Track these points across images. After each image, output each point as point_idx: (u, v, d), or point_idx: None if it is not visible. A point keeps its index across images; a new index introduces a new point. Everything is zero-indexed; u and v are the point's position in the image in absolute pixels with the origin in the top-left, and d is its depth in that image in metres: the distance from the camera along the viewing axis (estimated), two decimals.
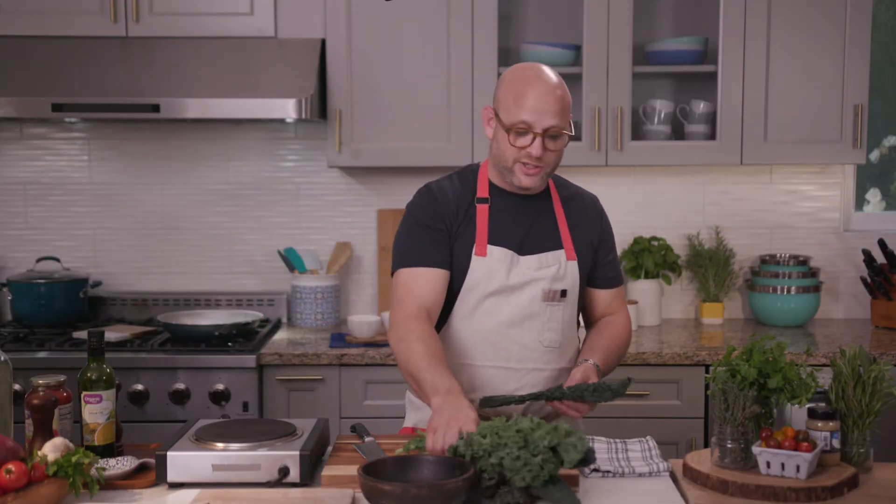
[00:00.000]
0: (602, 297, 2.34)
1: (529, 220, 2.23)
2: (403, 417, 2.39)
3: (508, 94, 2.13)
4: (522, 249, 2.20)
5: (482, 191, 2.23)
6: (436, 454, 1.83)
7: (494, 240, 2.18)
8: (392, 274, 2.23)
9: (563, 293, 2.21)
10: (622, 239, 3.70)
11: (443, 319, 2.21)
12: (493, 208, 2.21)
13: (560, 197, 2.28)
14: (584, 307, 2.35)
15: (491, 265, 2.17)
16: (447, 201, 2.20)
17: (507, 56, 3.56)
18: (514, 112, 2.11)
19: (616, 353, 2.27)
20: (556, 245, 2.23)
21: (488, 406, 2.07)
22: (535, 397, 2.08)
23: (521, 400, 2.08)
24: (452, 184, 2.25)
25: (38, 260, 3.64)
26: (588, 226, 2.29)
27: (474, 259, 2.17)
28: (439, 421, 1.88)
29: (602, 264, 2.31)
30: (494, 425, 1.78)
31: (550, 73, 2.16)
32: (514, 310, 2.18)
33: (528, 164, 2.13)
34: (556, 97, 2.11)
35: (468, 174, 2.27)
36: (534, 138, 2.10)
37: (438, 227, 2.18)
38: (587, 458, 1.76)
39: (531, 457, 1.70)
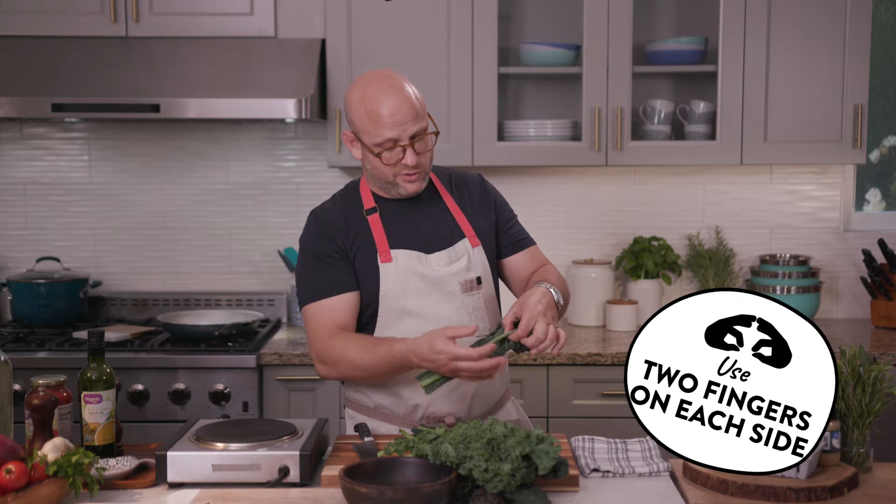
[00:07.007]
0: (520, 260, 2.32)
1: (424, 219, 2.22)
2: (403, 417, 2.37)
3: (362, 115, 2.10)
4: (428, 248, 2.19)
5: (368, 202, 2.22)
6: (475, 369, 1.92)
7: (396, 244, 2.18)
8: (301, 309, 2.22)
9: (479, 280, 2.21)
10: (622, 239, 3.71)
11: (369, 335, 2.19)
12: (384, 216, 2.20)
13: (445, 186, 2.28)
14: (509, 279, 2.34)
15: (400, 268, 2.15)
16: (335, 221, 2.20)
17: (507, 56, 3.56)
18: (374, 133, 2.09)
19: (560, 285, 2.21)
20: (459, 235, 2.23)
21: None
22: (500, 343, 2.02)
23: (500, 344, 2.02)
24: (336, 204, 2.25)
25: (38, 260, 3.64)
26: (482, 206, 2.29)
27: (382, 267, 2.15)
28: (426, 356, 1.95)
29: (504, 232, 2.31)
30: (466, 433, 1.78)
31: (394, 78, 2.12)
32: (437, 308, 2.17)
33: (408, 174, 2.13)
34: (408, 103, 2.09)
35: (350, 190, 2.26)
36: (404, 150, 2.10)
37: (332, 252, 2.17)
38: (559, 469, 1.76)
39: (500, 467, 1.70)
